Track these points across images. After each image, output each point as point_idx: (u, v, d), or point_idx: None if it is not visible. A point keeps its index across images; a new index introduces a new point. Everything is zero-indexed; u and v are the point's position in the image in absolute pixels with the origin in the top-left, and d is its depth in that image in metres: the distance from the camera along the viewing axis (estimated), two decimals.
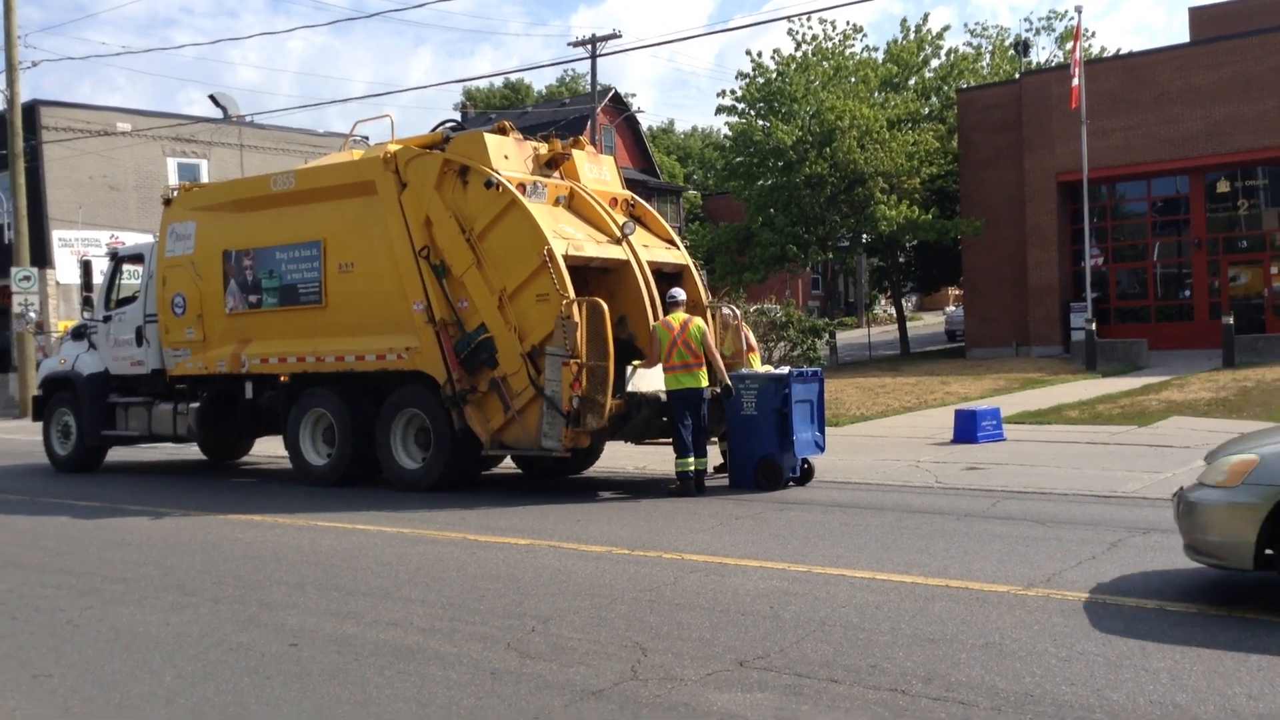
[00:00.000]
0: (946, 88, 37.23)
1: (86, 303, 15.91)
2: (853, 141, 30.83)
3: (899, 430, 17.26)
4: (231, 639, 6.22)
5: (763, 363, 13.10)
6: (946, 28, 46.31)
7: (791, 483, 11.63)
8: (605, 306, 11.16)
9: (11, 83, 28.85)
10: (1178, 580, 6.89)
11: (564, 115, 53.14)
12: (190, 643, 6.18)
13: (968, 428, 15.20)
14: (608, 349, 11.03)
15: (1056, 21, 42.89)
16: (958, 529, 8.98)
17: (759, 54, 34.46)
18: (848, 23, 75.69)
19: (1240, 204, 29.04)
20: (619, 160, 22.34)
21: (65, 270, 31.11)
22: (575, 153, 13.07)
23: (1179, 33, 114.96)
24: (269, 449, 16.62)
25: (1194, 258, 29.45)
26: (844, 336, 41.04)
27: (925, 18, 45.45)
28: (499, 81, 77.98)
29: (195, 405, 14.33)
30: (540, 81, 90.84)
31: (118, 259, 16.06)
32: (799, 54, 34.16)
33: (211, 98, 40.50)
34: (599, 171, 13.41)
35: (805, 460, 11.82)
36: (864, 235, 34.87)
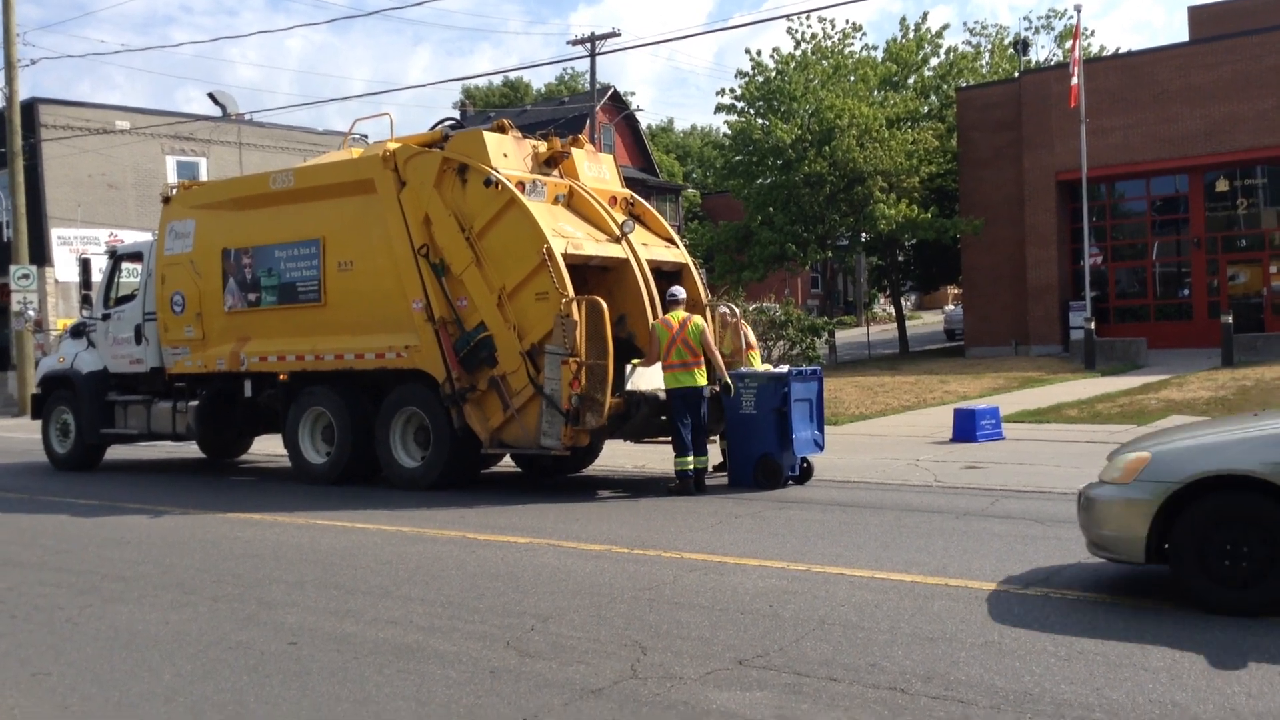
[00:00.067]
0: (946, 86, 37.23)
1: (85, 301, 15.90)
2: (852, 140, 30.83)
3: (898, 429, 17.27)
4: (231, 637, 6.23)
5: (762, 361, 13.09)
6: (946, 26, 46.36)
7: (791, 481, 11.64)
8: (604, 305, 11.15)
9: (10, 80, 28.86)
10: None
11: (563, 114, 53.14)
12: (189, 641, 6.18)
13: (967, 426, 15.21)
14: (607, 347, 11.02)
15: (1056, 20, 42.97)
16: (957, 528, 8.98)
17: (758, 53, 34.60)
18: (847, 21, 75.61)
19: (1239, 203, 29.06)
20: (618, 159, 22.33)
21: (64, 268, 31.09)
22: (574, 151, 13.07)
23: (1178, 31, 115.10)
24: (268, 447, 16.62)
25: (1193, 257, 29.48)
26: (843, 335, 41.08)
27: (925, 16, 45.37)
28: (498, 80, 78.05)
29: (194, 403, 14.32)
30: (539, 80, 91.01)
31: (116, 257, 16.05)
32: (798, 53, 34.18)
33: (210, 96, 40.49)
34: (598, 170, 13.41)
35: (804, 459, 11.82)
36: (863, 234, 34.87)
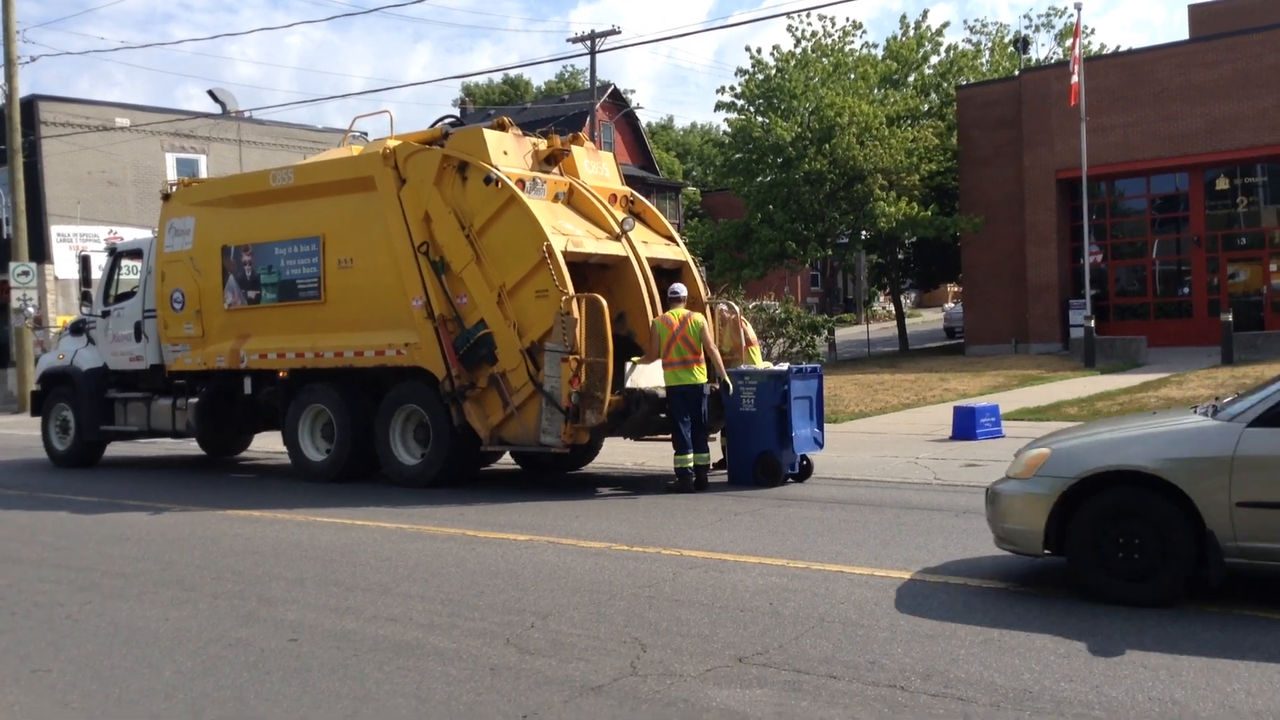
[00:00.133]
0: (946, 84, 37.23)
1: (85, 298, 15.89)
2: (852, 138, 30.82)
3: (898, 427, 17.27)
4: (231, 634, 6.23)
5: (762, 359, 13.09)
6: (946, 24, 46.40)
7: (790, 479, 11.64)
8: (604, 303, 11.15)
9: (10, 78, 28.82)
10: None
11: (563, 111, 53.15)
12: (189, 638, 6.18)
13: (966, 424, 15.21)
14: (607, 345, 11.02)
15: (1056, 18, 42.91)
16: (956, 525, 8.98)
17: (758, 50, 34.49)
18: (847, 19, 75.45)
19: (1239, 201, 29.05)
20: (618, 157, 22.33)
21: (64, 265, 31.06)
22: (574, 149, 13.06)
23: (1178, 30, 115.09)
24: (268, 444, 16.62)
25: (1193, 255, 29.47)
26: (843, 333, 41.07)
27: (925, 14, 45.41)
28: (498, 78, 78.10)
29: (194, 401, 14.32)
30: (539, 78, 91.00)
31: (116, 254, 16.05)
32: (798, 50, 34.16)
33: (210, 93, 40.48)
34: (598, 168, 13.40)
35: (804, 457, 11.82)
36: (863, 232, 34.88)
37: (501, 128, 12.56)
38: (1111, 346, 26.72)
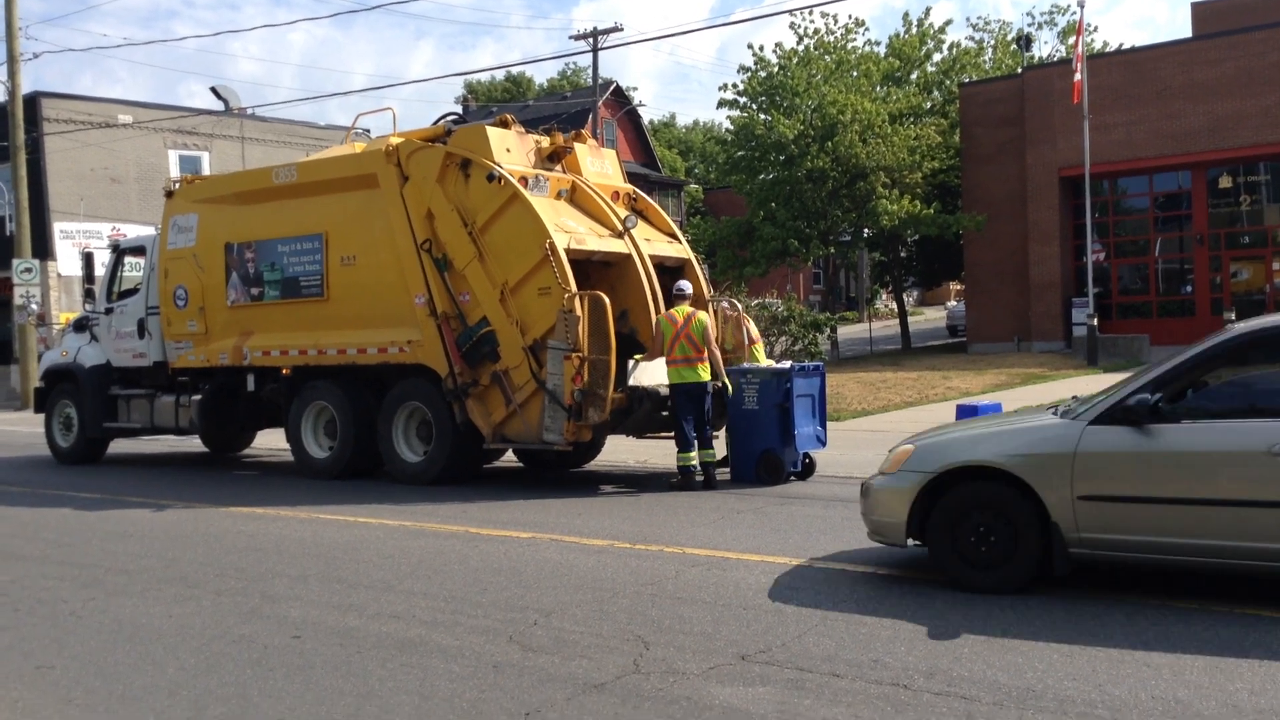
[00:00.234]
0: (949, 82, 37.21)
1: (88, 295, 15.90)
2: (854, 136, 30.80)
3: (900, 425, 17.24)
4: (234, 631, 6.24)
5: (765, 356, 13.10)
6: (949, 22, 46.27)
7: (793, 477, 11.64)
8: (607, 300, 11.15)
9: (13, 74, 28.83)
10: (1180, 579, 6.89)
11: (565, 109, 53.13)
12: (193, 635, 6.19)
13: None
14: (609, 343, 11.02)
15: (1059, 16, 42.88)
16: None
17: (761, 48, 34.46)
18: (850, 17, 75.60)
19: (1242, 199, 29.01)
20: (620, 154, 22.32)
21: (67, 262, 31.08)
22: (577, 146, 13.07)
23: (1181, 28, 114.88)
24: (271, 441, 16.64)
25: (1196, 253, 29.43)
26: (845, 331, 41.05)
27: (927, 12, 45.30)
28: (500, 75, 78.09)
29: (197, 397, 14.33)
30: (541, 75, 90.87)
31: (119, 251, 16.06)
32: (801, 48, 34.14)
33: (213, 90, 40.41)
34: (601, 165, 13.40)
35: (807, 455, 11.83)
36: (865, 230, 34.86)
37: (504, 125, 12.55)
38: (1114, 345, 26.70)
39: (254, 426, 15.66)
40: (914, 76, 37.31)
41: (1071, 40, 35.31)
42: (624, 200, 13.22)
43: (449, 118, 13.56)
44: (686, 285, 11.98)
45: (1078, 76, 26.67)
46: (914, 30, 37.22)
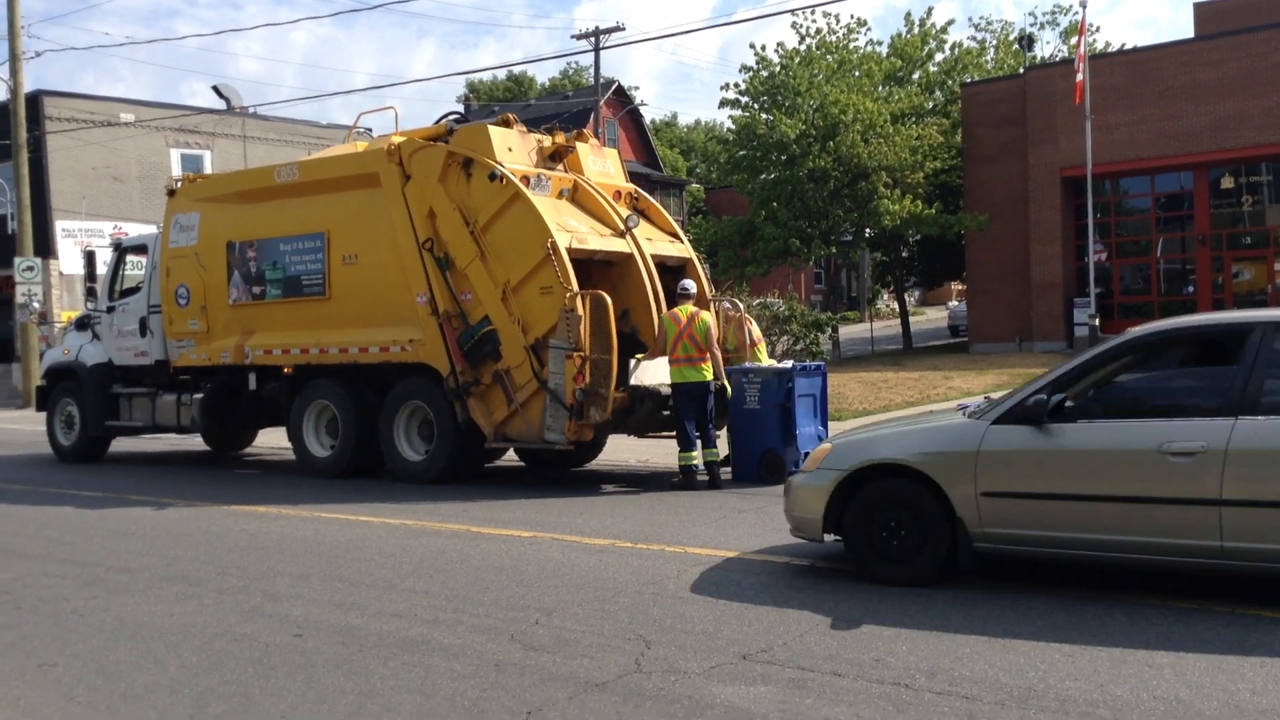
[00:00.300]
0: (951, 82, 37.19)
1: (90, 293, 15.91)
2: (856, 135, 30.79)
3: None
4: (236, 629, 6.24)
5: (768, 356, 13.10)
6: (951, 22, 46.30)
7: None
8: (609, 300, 11.15)
9: (15, 73, 28.83)
10: (1181, 579, 6.88)
11: (567, 108, 53.13)
12: (195, 633, 6.19)
13: None
14: (611, 342, 11.03)
15: (1061, 16, 42.88)
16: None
17: (763, 47, 34.53)
18: (852, 16, 75.65)
19: (1244, 200, 29.00)
20: (622, 153, 22.32)
21: (69, 261, 31.12)
22: (579, 145, 13.07)
23: (1183, 28, 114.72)
24: (272, 440, 16.64)
25: (1197, 253, 29.43)
26: (846, 331, 41.03)
27: (930, 11, 45.25)
28: (502, 74, 78.06)
29: (199, 396, 14.33)
30: (543, 74, 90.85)
31: (121, 250, 16.06)
32: (803, 47, 34.16)
33: (215, 89, 40.50)
34: (603, 164, 13.40)
35: (808, 454, 11.80)
36: (867, 230, 34.85)
37: (506, 124, 12.55)
38: None
39: (255, 425, 15.67)
40: (916, 76, 37.29)
41: (1074, 40, 35.28)
42: (626, 199, 13.22)
43: (451, 117, 13.57)
44: (691, 285, 11.98)
45: (1080, 77, 26.67)
46: (916, 30, 37.21)
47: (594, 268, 12.14)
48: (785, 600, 6.53)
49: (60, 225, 32.21)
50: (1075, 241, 30.21)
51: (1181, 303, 29.86)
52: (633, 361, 11.82)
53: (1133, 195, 31.10)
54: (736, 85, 34.38)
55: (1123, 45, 41.78)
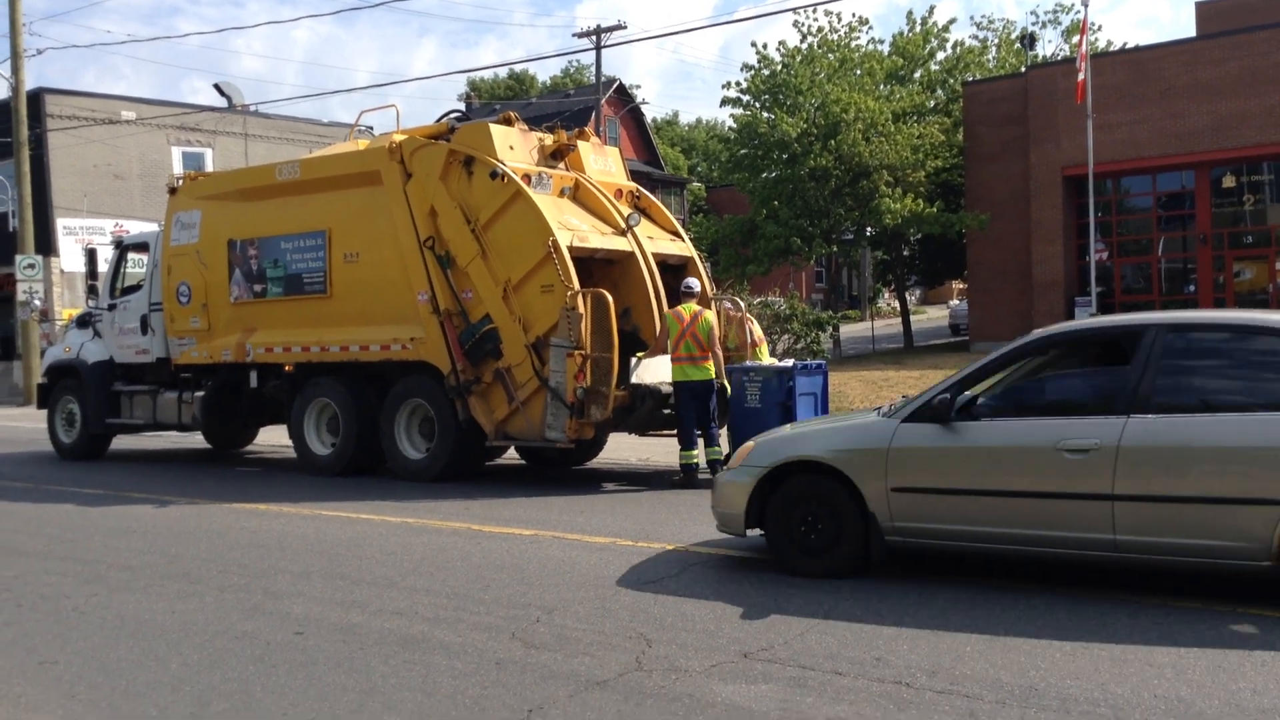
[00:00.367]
0: (952, 81, 37.18)
1: (91, 291, 15.92)
2: (858, 134, 30.79)
3: None
4: (237, 627, 6.24)
5: (769, 356, 13.09)
6: (953, 21, 46.26)
7: None
8: (610, 298, 11.15)
9: (16, 70, 28.85)
10: (1182, 579, 6.88)
11: (568, 106, 53.11)
12: (196, 631, 6.20)
13: None
14: (612, 340, 11.03)
15: (1063, 15, 42.88)
16: None
17: (764, 46, 34.50)
18: (854, 15, 75.60)
19: (1246, 199, 28.99)
20: (623, 152, 22.32)
21: (70, 258, 31.12)
22: (580, 144, 13.06)
23: (1185, 27, 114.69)
24: (273, 438, 16.65)
25: (1199, 253, 29.40)
26: (847, 329, 41.01)
27: (931, 10, 45.39)
28: (503, 72, 78.06)
29: (200, 394, 14.34)
30: (545, 73, 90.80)
31: (123, 247, 16.07)
32: (804, 46, 34.16)
33: (216, 87, 40.46)
34: (604, 163, 13.40)
35: None
36: (868, 228, 34.86)
37: (507, 122, 12.55)
38: None
39: (256, 423, 15.68)
40: (917, 75, 37.30)
41: (1075, 39, 35.27)
42: (627, 198, 13.22)
43: (452, 115, 13.56)
44: (694, 283, 11.98)
45: (1081, 75, 26.62)
46: (917, 29, 37.22)
47: (595, 266, 12.14)
48: (786, 599, 6.53)
49: (61, 223, 32.22)
50: (1076, 240, 30.19)
51: (1183, 302, 29.83)
52: (634, 360, 11.82)
53: (1134, 194, 31.08)
54: (738, 84, 34.44)
55: (1124, 44, 41.79)
